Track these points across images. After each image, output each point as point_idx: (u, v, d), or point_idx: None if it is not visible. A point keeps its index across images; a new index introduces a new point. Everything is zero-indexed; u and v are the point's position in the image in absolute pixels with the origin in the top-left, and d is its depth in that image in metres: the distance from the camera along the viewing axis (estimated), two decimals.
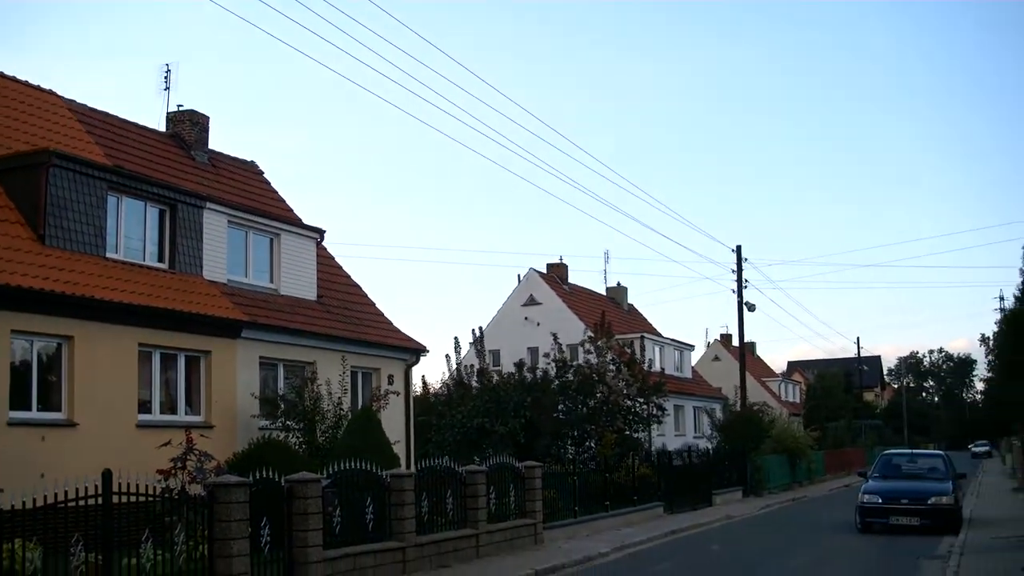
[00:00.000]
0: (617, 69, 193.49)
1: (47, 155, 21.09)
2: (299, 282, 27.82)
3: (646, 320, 67.94)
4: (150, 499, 14.89)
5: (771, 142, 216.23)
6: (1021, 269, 22.08)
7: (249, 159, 32.39)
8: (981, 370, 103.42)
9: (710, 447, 46.09)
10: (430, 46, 52.56)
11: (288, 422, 23.71)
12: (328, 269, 30.53)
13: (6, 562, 13.36)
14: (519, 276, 61.36)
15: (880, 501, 28.24)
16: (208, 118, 30.27)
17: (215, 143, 30.55)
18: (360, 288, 31.78)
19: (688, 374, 65.33)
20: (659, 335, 62.78)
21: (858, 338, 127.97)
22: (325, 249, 30.96)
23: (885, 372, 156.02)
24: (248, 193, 29.85)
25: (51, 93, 25.79)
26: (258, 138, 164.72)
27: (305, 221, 30.01)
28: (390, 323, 31.11)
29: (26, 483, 14.86)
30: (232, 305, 24.28)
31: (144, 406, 21.75)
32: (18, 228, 20.49)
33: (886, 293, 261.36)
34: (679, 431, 59.20)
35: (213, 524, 15.20)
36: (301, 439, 23.56)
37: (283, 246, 27.44)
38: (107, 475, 13.67)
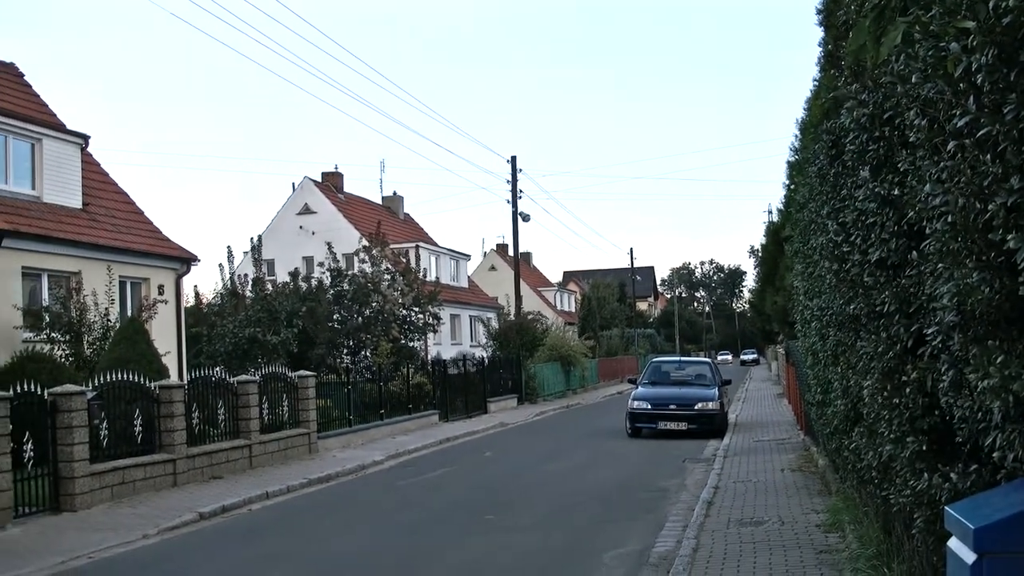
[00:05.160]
0: None
1: None
2: (63, 189, 26.74)
3: (422, 229, 68.01)
4: None
5: (549, 52, 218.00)
6: (784, 183, 22.96)
7: (8, 60, 30.86)
8: (751, 281, 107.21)
9: (485, 356, 46.70)
10: None
11: (53, 334, 22.99)
12: (94, 176, 29.41)
13: None
14: (294, 185, 60.48)
15: (649, 407, 29.20)
16: None
17: None
18: (128, 196, 30.80)
19: (464, 283, 65.85)
20: (435, 244, 62.97)
21: (631, 248, 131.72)
22: (91, 156, 29.83)
23: (659, 282, 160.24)
24: (7, 96, 28.43)
25: None
26: (20, 41, 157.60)
27: (69, 127, 28.81)
28: (159, 232, 30.31)
29: None
30: None
31: None
32: None
33: (661, 205, 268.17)
34: (455, 340, 59.78)
35: None
36: (68, 352, 22.89)
37: (45, 152, 26.23)
38: None
